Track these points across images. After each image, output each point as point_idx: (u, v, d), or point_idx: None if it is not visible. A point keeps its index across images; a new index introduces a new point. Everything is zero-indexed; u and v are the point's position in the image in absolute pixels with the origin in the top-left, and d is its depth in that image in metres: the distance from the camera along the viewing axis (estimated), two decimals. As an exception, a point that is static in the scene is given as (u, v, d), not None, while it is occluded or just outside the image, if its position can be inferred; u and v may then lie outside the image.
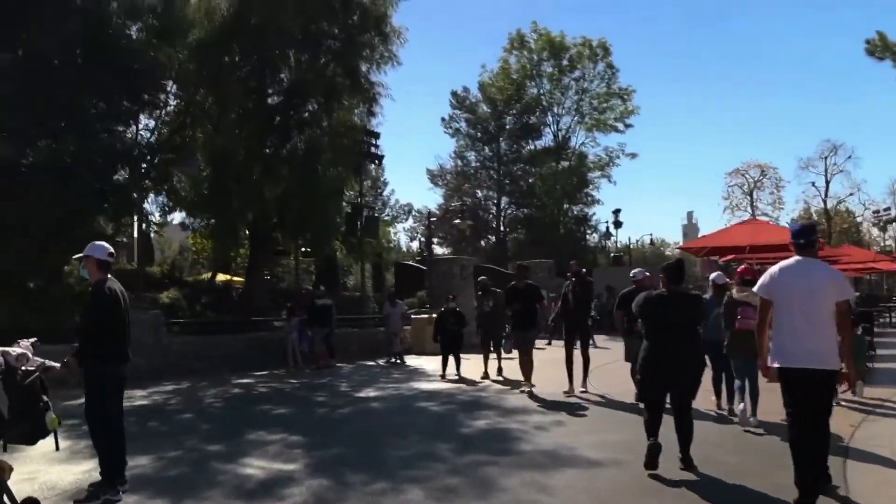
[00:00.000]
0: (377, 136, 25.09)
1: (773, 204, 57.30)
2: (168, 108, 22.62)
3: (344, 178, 24.57)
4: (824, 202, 58.31)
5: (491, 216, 51.50)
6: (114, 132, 18.03)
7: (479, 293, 14.77)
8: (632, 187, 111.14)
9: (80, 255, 5.96)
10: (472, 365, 14.44)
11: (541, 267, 32.06)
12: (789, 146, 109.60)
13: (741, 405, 8.30)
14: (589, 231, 50.04)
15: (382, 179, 74.91)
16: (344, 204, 24.94)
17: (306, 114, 22.26)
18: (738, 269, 9.24)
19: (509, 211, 51.69)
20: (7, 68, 16.05)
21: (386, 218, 68.07)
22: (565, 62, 48.81)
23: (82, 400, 5.83)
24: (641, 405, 7.21)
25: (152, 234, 44.04)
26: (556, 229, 46.55)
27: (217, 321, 20.06)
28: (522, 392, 11.47)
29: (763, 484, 5.85)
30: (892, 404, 9.59)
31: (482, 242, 51.40)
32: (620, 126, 49.51)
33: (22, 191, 15.58)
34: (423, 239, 52.34)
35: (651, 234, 59.26)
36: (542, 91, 49.95)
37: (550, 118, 50.28)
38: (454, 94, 51.37)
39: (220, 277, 28.64)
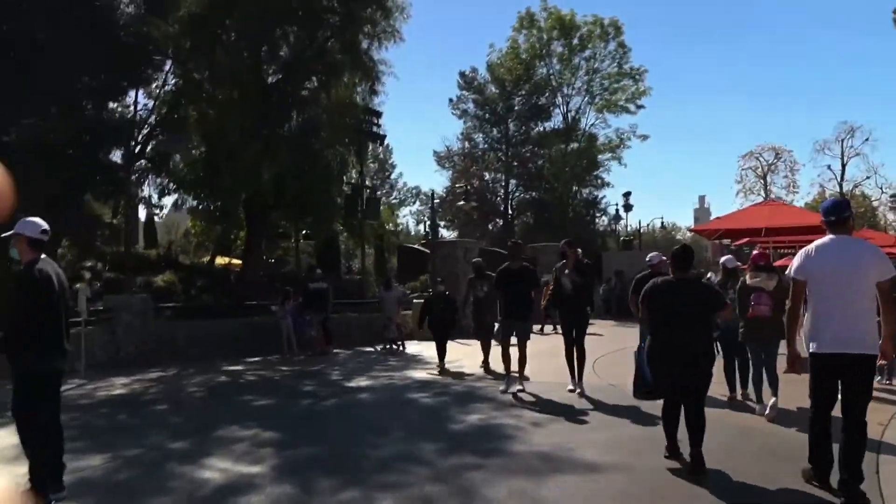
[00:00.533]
0: (379, 114, 24.34)
1: (788, 188, 56.12)
2: (164, 85, 21.99)
3: (344, 157, 23.89)
4: (840, 186, 57.10)
5: (499, 199, 50.61)
6: (103, 109, 17.33)
7: (472, 276, 13.02)
8: (643, 170, 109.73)
9: (9, 233, 5.20)
10: (472, 352, 13.72)
11: (549, 250, 31.20)
12: (805, 128, 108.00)
13: (773, 399, 7.76)
14: (598, 214, 49.13)
15: (390, 162, 74.50)
16: (344, 185, 24.26)
17: (305, 91, 21.53)
18: (752, 255, 8.81)
19: (517, 194, 50.79)
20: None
21: (394, 201, 67.66)
22: (576, 41, 47.60)
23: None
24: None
25: (156, 218, 43.74)
26: (565, 212, 45.68)
27: (210, 305, 19.45)
28: (508, 392, 9.73)
29: (783, 482, 5.27)
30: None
31: (490, 226, 50.57)
32: (632, 107, 48.30)
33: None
34: (428, 222, 51.66)
35: (662, 218, 58.17)
36: (551, 71, 48.83)
37: (560, 99, 49.18)
38: (462, 74, 50.39)
39: (220, 261, 28.06)
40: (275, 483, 5.60)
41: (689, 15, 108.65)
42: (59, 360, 5.21)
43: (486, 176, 50.77)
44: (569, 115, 48.98)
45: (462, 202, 26.61)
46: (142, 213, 40.88)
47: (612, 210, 45.88)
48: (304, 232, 25.80)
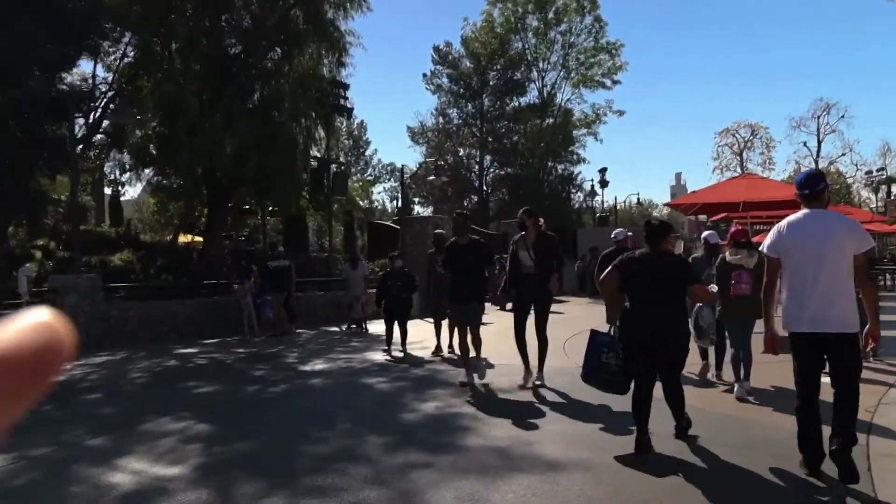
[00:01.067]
0: (346, 87, 23.42)
1: (764, 164, 55.94)
2: (124, 57, 21.01)
3: (311, 131, 23.05)
4: (816, 162, 57.03)
5: (473, 175, 49.85)
6: (51, 81, 16.31)
7: (432, 251, 11.77)
8: (619, 146, 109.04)
9: None
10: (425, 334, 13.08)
11: (522, 227, 30.68)
12: (781, 105, 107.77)
13: (747, 384, 7.65)
14: (574, 190, 48.55)
15: (365, 139, 73.46)
16: (311, 160, 23.42)
17: (268, 62, 20.62)
18: (731, 231, 8.58)
19: (492, 170, 50.06)
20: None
21: (369, 178, 66.70)
22: (551, 15, 46.75)
23: None
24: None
25: (123, 196, 42.51)
26: (540, 189, 45.06)
27: (167, 285, 18.61)
28: (464, 384, 8.52)
29: (764, 464, 4.95)
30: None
31: (465, 202, 49.85)
32: (608, 82, 47.67)
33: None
34: (394, 196, 50.99)
35: (638, 195, 57.80)
36: (526, 46, 47.96)
37: (535, 74, 48.36)
38: (436, 48, 49.35)
39: (184, 239, 27.13)
40: (190, 488, 4.90)
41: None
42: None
43: (461, 152, 49.95)
44: (544, 90, 48.25)
45: (433, 177, 25.79)
46: (109, 190, 39.93)
47: (587, 186, 45.28)
48: (269, 209, 24.92)
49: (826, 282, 4.59)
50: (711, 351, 8.60)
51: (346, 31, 22.01)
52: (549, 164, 46.62)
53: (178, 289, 18.08)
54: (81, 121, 24.58)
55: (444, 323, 11.57)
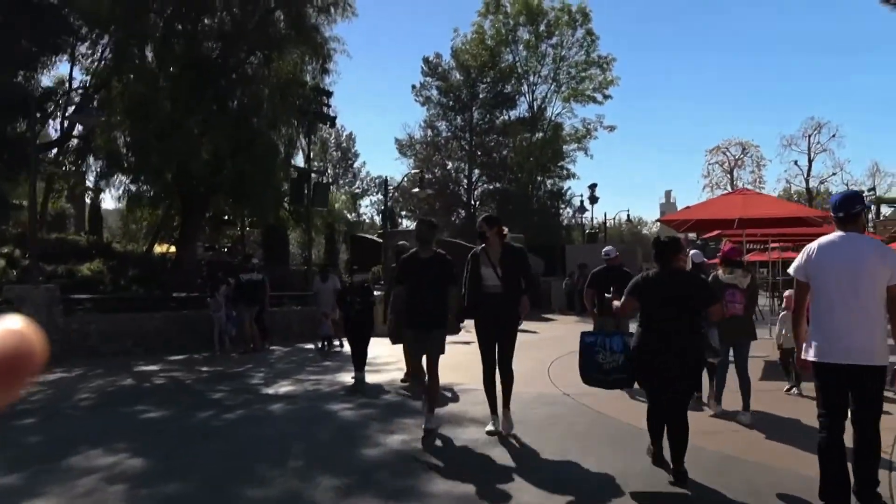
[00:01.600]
0: (329, 94, 22.79)
1: (754, 183, 55.56)
2: (102, 59, 20.21)
3: (292, 139, 22.37)
4: (807, 181, 56.82)
5: (462, 189, 49.16)
6: (11, 78, 15.48)
7: (393, 265, 10.08)
8: (609, 162, 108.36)
9: None
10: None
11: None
12: (772, 124, 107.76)
13: (748, 414, 7.41)
14: (563, 206, 47.92)
15: (353, 151, 72.82)
16: (292, 169, 22.68)
17: (248, 67, 19.90)
18: (724, 249, 8.30)
19: (481, 184, 49.39)
20: None
21: (356, 191, 65.99)
22: (542, 28, 46.34)
23: None
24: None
25: (103, 203, 41.52)
26: (529, 204, 44.43)
27: (134, 296, 17.75)
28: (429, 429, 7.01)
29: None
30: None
31: (453, 217, 49.12)
32: (599, 97, 47.23)
33: None
34: (380, 209, 50.19)
35: (628, 211, 57.33)
36: (517, 58, 47.48)
37: (526, 87, 47.87)
38: (426, 60, 48.75)
39: (160, 249, 26.25)
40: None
41: (656, 4, 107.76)
42: None
43: (449, 165, 49.29)
44: (535, 103, 47.81)
45: (417, 189, 25.05)
46: (89, 198, 38.95)
47: (577, 202, 44.63)
48: (248, 219, 24.11)
49: (855, 310, 4.30)
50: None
51: (330, 38, 21.40)
52: (539, 178, 46.05)
53: (145, 301, 17.23)
54: (57, 124, 23.90)
55: None
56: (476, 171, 48.64)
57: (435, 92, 48.41)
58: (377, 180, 62.72)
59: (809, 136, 55.51)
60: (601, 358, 5.85)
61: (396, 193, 53.22)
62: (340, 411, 8.39)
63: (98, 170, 19.42)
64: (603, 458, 5.95)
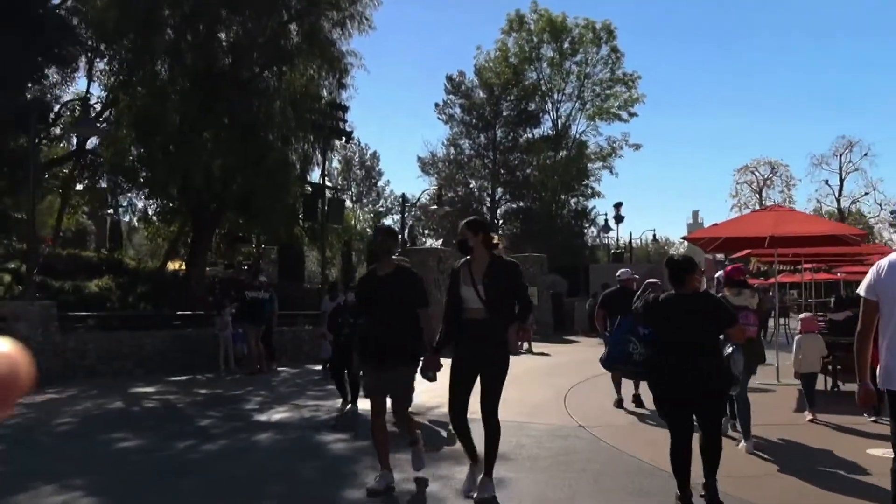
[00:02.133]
0: (345, 109, 22.26)
1: (784, 203, 54.32)
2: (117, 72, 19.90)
3: (308, 155, 21.92)
4: (838, 201, 55.48)
5: (485, 208, 48.42)
6: (16, 91, 15.10)
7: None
8: (635, 181, 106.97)
9: None
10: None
11: (531, 261, 29.27)
12: (802, 142, 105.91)
13: (751, 440, 7.02)
14: (587, 225, 46.96)
15: (377, 169, 72.61)
16: (307, 185, 22.16)
17: (260, 80, 19.44)
18: (728, 269, 8.06)
19: (504, 203, 48.62)
20: None
21: (381, 210, 65.73)
22: (567, 45, 45.67)
23: None
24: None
25: (123, 219, 41.46)
26: (553, 223, 43.59)
27: (136, 314, 17.27)
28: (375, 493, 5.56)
29: None
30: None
31: (476, 236, 48.37)
32: (624, 114, 46.34)
33: None
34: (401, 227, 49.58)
35: (654, 231, 56.17)
36: (541, 76, 46.84)
37: (550, 105, 47.15)
38: (449, 78, 48.23)
39: (173, 265, 25.84)
40: None
41: (684, 22, 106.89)
42: None
43: (472, 184, 48.62)
44: (559, 121, 47.05)
45: (434, 206, 24.39)
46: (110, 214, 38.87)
47: (601, 221, 43.66)
48: (262, 236, 23.62)
49: None
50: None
51: (347, 52, 20.96)
52: (563, 197, 45.19)
53: (148, 319, 16.70)
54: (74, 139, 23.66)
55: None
56: (499, 190, 47.93)
57: (458, 110, 47.89)
58: (399, 199, 62.42)
59: (841, 155, 54.38)
60: (632, 348, 5.72)
61: (418, 212, 52.74)
62: (331, 443, 7.68)
63: (107, 185, 18.93)
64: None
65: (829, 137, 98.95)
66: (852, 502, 5.30)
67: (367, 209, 72.95)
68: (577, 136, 47.04)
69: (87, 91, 25.03)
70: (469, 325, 5.32)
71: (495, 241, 5.57)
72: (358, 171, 72.97)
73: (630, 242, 44.52)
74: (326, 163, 22.61)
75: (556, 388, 11.76)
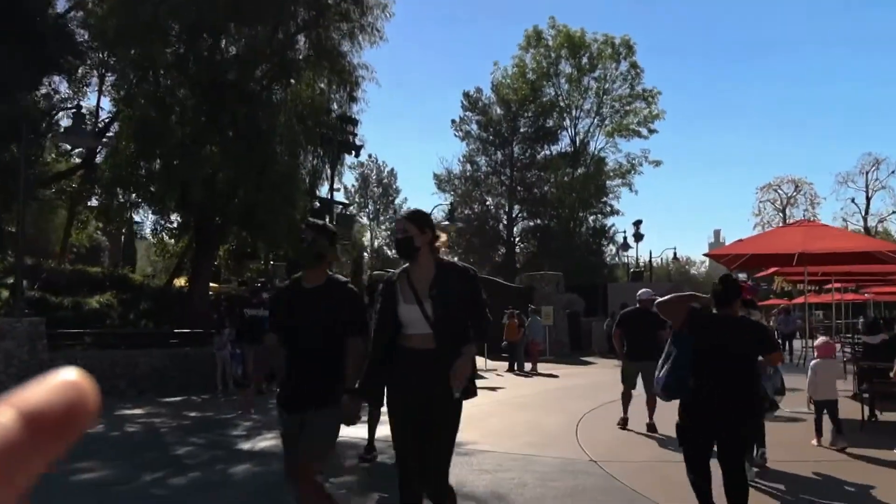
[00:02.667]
0: (355, 123, 21.72)
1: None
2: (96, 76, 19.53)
3: (316, 168, 21.39)
4: (864, 220, 54.17)
5: (501, 226, 47.70)
6: (9, 101, 14.62)
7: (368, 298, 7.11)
8: (655, 198, 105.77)
9: None
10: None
11: (547, 280, 28.41)
12: (826, 160, 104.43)
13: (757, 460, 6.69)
14: (605, 243, 46.07)
15: (395, 187, 72.27)
16: (317, 201, 21.59)
17: (266, 91, 18.92)
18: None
19: (521, 220, 47.86)
20: None
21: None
22: (585, 61, 45.12)
23: None
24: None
25: (137, 235, 41.17)
26: (571, 240, 42.75)
27: (133, 332, 16.68)
28: None
29: None
30: None
31: (492, 253, 47.66)
32: (644, 131, 45.70)
33: None
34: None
35: (675, 249, 55.21)
36: (559, 92, 46.29)
37: (568, 121, 46.55)
38: (466, 94, 47.81)
39: (180, 282, 25.30)
40: None
41: (705, 37, 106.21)
42: None
43: (489, 201, 47.94)
44: (577, 138, 46.44)
45: (447, 222, 23.73)
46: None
47: (620, 238, 42.78)
48: (273, 253, 23.00)
49: None
50: None
51: (359, 65, 20.46)
52: (581, 214, 44.39)
53: (145, 337, 16.12)
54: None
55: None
56: (516, 207, 47.23)
57: (475, 126, 47.41)
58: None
59: (867, 173, 53.18)
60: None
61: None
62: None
63: (106, 199, 18.44)
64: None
65: (855, 154, 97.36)
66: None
67: (383, 227, 72.63)
68: (596, 152, 46.44)
69: (98, 105, 24.79)
70: (411, 357, 3.88)
71: (441, 240, 4.08)
72: (375, 189, 72.78)
73: (650, 261, 43.48)
74: (336, 177, 22.03)
75: (569, 414, 10.95)
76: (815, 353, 8.82)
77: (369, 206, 72.48)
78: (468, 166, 47.83)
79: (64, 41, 14.67)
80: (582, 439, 8.79)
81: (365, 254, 67.06)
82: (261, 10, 17.32)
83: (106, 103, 23.83)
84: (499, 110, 46.60)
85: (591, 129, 46.30)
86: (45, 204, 25.29)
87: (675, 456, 5.34)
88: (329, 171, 21.96)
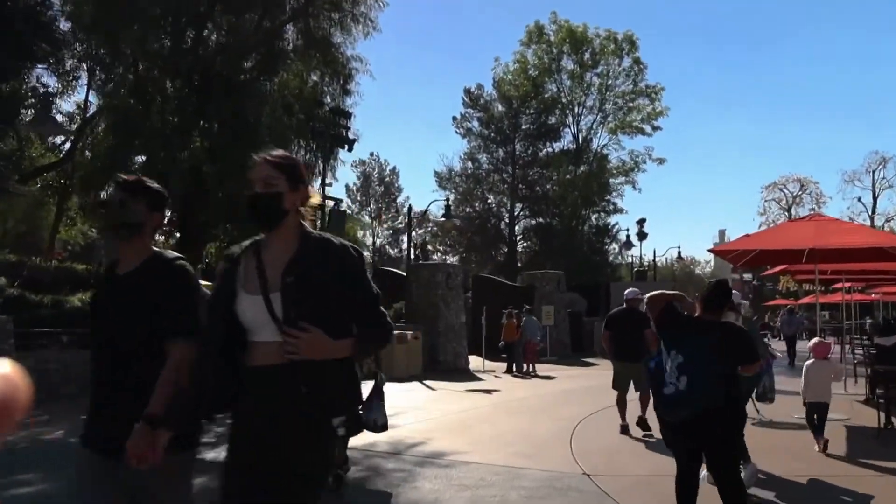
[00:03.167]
0: (348, 115, 21.00)
1: (815, 220, 52.37)
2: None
3: (307, 162, 20.69)
4: (871, 220, 53.38)
5: (503, 224, 46.97)
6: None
7: None
8: (659, 196, 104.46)
9: None
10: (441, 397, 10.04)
11: (548, 278, 27.72)
12: (832, 159, 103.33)
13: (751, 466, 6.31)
14: (608, 241, 45.28)
15: (397, 185, 71.66)
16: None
17: (253, 82, 18.26)
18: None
19: (522, 217, 47.12)
20: None
21: (399, 226, 64.80)
22: (587, 57, 44.38)
23: None
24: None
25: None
26: (573, 239, 42.01)
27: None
28: None
29: None
30: None
31: (493, 252, 46.97)
32: (647, 128, 44.99)
33: None
34: (415, 243, 48.27)
35: (679, 248, 54.45)
36: (561, 89, 45.55)
37: (570, 118, 45.87)
38: (467, 91, 47.14)
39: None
40: None
41: (709, 33, 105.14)
42: None
43: (490, 199, 47.21)
44: (579, 135, 45.75)
45: (443, 218, 23.02)
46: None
47: (623, 237, 42.02)
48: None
49: None
50: None
51: (352, 57, 19.86)
52: (584, 213, 43.65)
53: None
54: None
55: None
56: (518, 205, 46.50)
57: (476, 123, 46.74)
58: (417, 215, 61.49)
59: (874, 172, 52.47)
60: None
61: (434, 227, 51.39)
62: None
63: (87, 193, 17.78)
64: None
65: (861, 153, 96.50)
66: None
67: (385, 225, 72.02)
68: (599, 150, 45.74)
69: (86, 99, 24.17)
70: (252, 379, 2.50)
71: (314, 202, 2.81)
72: (377, 188, 72.22)
73: (654, 260, 42.72)
74: (330, 172, 21.34)
75: (564, 420, 10.26)
76: (811, 355, 8.46)
77: (371, 205, 72.03)
78: (469, 164, 47.19)
79: (37, 26, 14.03)
80: (576, 449, 8.10)
81: (366, 253, 66.68)
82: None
83: (95, 98, 23.35)
84: (500, 107, 45.94)
85: (594, 126, 45.64)
86: (32, 199, 24.68)
87: (674, 469, 4.71)
88: (322, 165, 21.27)
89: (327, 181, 20.74)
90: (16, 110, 14.89)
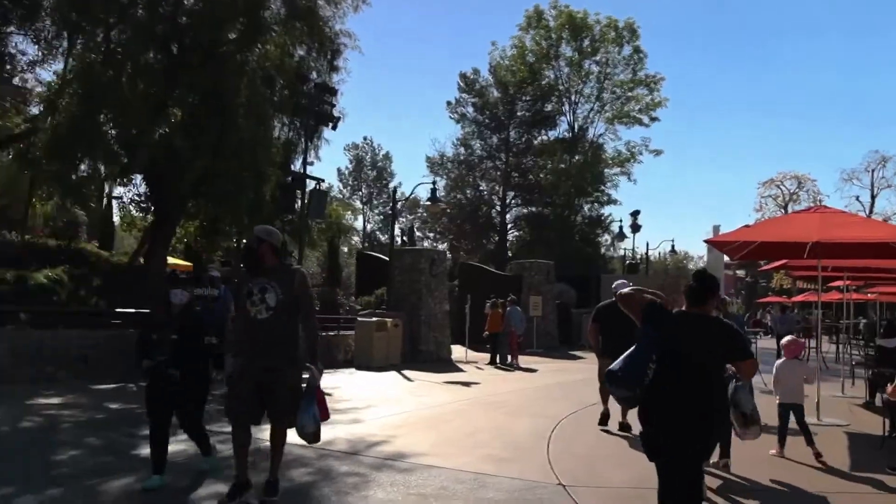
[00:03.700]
0: (334, 92, 20.16)
1: (811, 219, 51.68)
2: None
3: (289, 140, 19.93)
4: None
5: (494, 212, 46.10)
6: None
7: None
8: (655, 188, 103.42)
9: None
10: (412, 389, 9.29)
11: (537, 268, 26.98)
12: (831, 156, 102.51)
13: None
14: (601, 232, 44.42)
15: (389, 170, 70.74)
16: (289, 176, 20.05)
17: (233, 54, 17.37)
18: None
19: (515, 206, 46.25)
20: None
21: (389, 212, 63.90)
22: (587, 44, 43.38)
23: None
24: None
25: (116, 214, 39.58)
26: (566, 229, 41.20)
27: (79, 311, 15.25)
28: None
29: None
30: None
31: (485, 240, 46.13)
32: (645, 119, 44.02)
33: None
34: (401, 228, 47.50)
35: (673, 242, 53.68)
36: (559, 76, 44.56)
37: (567, 106, 44.83)
38: (463, 76, 46.02)
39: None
40: None
41: (711, 24, 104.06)
42: None
43: (482, 186, 46.32)
44: (576, 124, 44.83)
45: (428, 202, 22.20)
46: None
47: (616, 228, 41.24)
48: (237, 228, 21.49)
49: None
50: None
51: (341, 31, 19.01)
52: (577, 202, 42.79)
53: (87, 316, 14.69)
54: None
55: None
56: (510, 193, 45.63)
57: (471, 109, 45.69)
58: (408, 200, 60.66)
59: (873, 171, 51.74)
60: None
61: (425, 213, 50.51)
62: (203, 501, 5.48)
63: (52, 163, 16.83)
64: None
65: (860, 152, 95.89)
66: None
67: (377, 211, 71.14)
68: (595, 139, 44.86)
69: (66, 68, 23.18)
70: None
71: None
72: (369, 172, 71.30)
73: (647, 253, 41.95)
74: (313, 150, 20.52)
75: (543, 418, 9.54)
76: (784, 354, 8.01)
77: (363, 190, 71.07)
78: (462, 150, 46.21)
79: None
80: (553, 453, 7.36)
81: (356, 238, 65.76)
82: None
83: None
84: (496, 93, 44.93)
85: (591, 115, 44.71)
86: (10, 171, 23.73)
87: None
88: (304, 142, 20.43)
89: (309, 160, 19.82)
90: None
